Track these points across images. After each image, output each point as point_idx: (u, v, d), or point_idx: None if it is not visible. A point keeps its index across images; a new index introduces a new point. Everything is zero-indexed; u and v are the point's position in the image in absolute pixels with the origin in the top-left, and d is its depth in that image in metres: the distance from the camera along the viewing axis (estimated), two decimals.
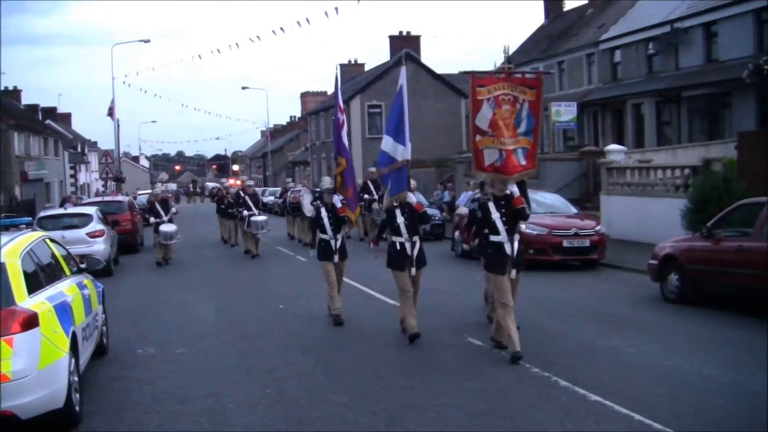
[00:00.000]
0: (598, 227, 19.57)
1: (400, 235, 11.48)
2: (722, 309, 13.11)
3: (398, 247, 11.48)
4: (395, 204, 11.63)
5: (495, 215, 10.31)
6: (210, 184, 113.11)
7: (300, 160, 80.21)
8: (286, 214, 31.47)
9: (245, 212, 25.07)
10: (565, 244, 18.81)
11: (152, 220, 23.42)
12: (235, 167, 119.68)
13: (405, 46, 54.60)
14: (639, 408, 7.90)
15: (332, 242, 13.10)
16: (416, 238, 11.55)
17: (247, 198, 25.74)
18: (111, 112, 53.00)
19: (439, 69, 55.67)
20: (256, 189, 28.78)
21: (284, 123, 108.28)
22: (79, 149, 73.07)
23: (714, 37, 33.40)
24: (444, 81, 54.28)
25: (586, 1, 47.96)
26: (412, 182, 12.87)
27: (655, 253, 14.93)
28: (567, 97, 41.36)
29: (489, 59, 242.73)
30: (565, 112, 36.88)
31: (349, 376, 9.65)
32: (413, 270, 11.45)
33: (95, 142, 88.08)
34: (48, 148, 54.82)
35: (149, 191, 39.56)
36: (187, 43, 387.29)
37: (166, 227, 22.80)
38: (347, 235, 13.90)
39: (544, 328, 12.19)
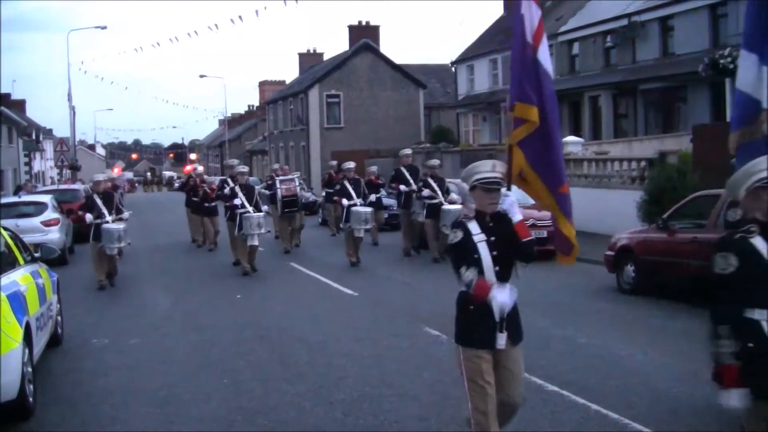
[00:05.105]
0: None
1: None
2: (677, 300, 13.24)
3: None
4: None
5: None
6: (167, 173, 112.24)
7: (258, 150, 79.88)
8: (274, 210, 22.38)
9: (239, 209, 17.78)
10: None
11: (88, 218, 16.14)
12: (193, 156, 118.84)
13: (364, 36, 54.61)
14: (595, 398, 7.96)
15: (494, 303, 5.63)
16: None
17: (237, 189, 18.27)
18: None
19: (398, 59, 55.73)
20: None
21: (242, 112, 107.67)
22: (33, 137, 71.90)
23: (670, 31, 33.80)
24: (403, 71, 54.28)
25: None
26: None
27: (611, 244, 15.07)
28: None
29: (448, 50, 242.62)
30: None
31: (305, 366, 9.61)
32: None
33: (50, 130, 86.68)
34: (1, 136, 53.92)
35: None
36: (144, 30, 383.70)
37: (111, 226, 16.08)
38: (516, 275, 5.78)
39: None
